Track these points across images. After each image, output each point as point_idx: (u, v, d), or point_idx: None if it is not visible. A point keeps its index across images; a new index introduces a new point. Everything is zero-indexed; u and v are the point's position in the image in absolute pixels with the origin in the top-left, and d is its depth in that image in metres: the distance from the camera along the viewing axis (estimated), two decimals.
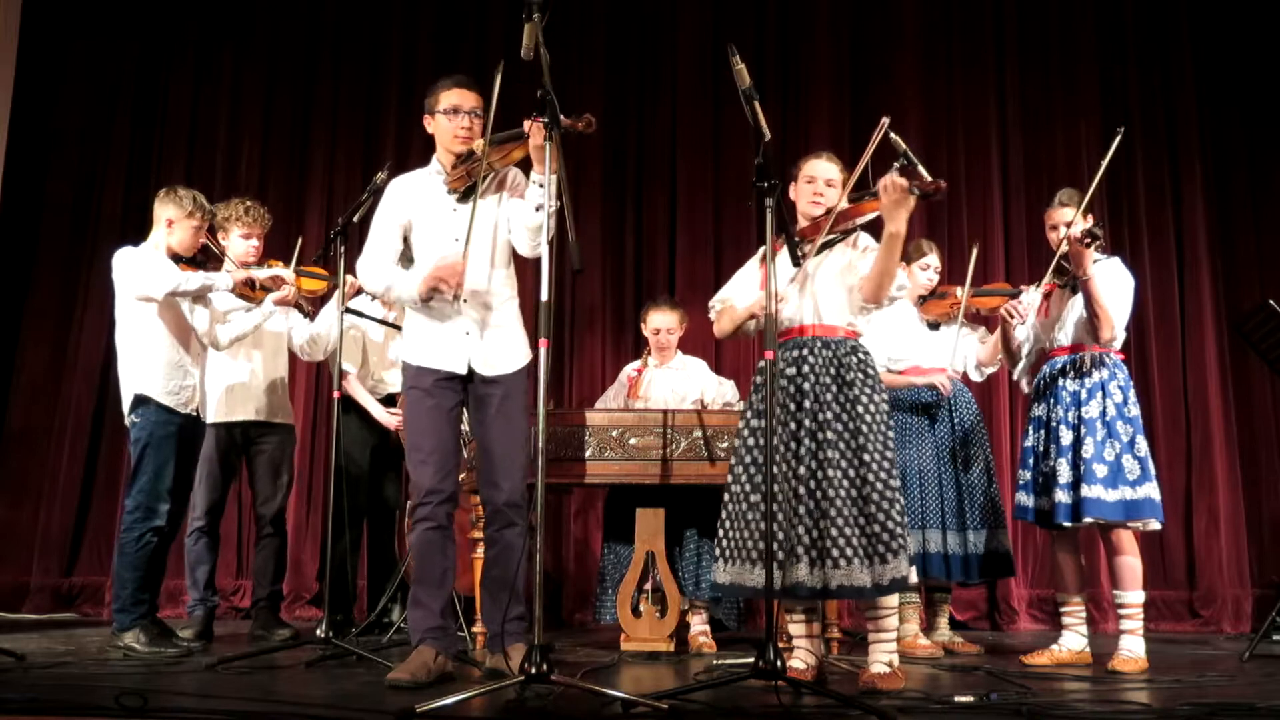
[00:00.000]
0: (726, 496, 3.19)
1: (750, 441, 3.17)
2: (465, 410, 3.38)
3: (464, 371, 3.27)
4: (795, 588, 3.00)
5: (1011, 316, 3.95)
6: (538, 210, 3.17)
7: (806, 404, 3.11)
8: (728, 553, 3.12)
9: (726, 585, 3.13)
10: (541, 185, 3.13)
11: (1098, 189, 3.88)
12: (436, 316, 3.29)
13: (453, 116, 3.34)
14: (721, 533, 3.16)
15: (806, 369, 3.14)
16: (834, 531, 2.99)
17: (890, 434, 3.13)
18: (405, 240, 3.38)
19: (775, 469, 3.04)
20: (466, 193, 3.28)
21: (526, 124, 3.07)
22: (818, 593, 3.02)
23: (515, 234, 3.29)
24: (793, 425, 3.11)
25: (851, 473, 3.05)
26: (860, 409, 3.09)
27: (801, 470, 3.06)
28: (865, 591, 2.99)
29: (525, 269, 3.60)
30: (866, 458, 3.05)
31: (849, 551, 2.98)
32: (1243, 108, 6.07)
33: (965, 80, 6.21)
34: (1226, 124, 6.09)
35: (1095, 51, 6.17)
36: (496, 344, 3.28)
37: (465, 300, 3.26)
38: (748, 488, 3.13)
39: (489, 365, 3.26)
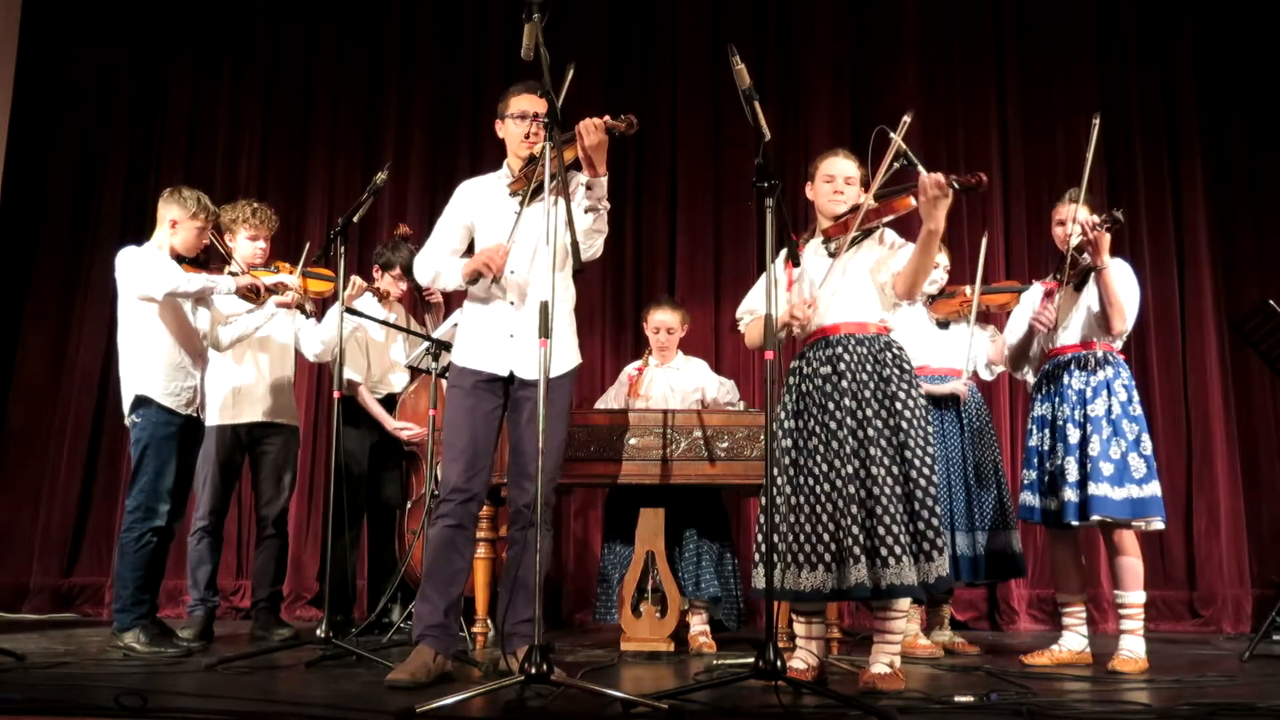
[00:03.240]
0: (765, 501, 3.05)
1: (786, 443, 3.15)
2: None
3: (505, 374, 3.28)
4: (855, 589, 2.98)
5: (1040, 326, 3.85)
6: (586, 213, 3.19)
7: (846, 402, 3.09)
8: (786, 558, 3.08)
9: (781, 590, 3.05)
10: (591, 188, 3.14)
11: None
12: (486, 319, 3.31)
13: (520, 122, 3.35)
14: (761, 538, 3.10)
15: (843, 367, 3.12)
16: (881, 530, 2.98)
17: (930, 429, 3.11)
18: (470, 243, 3.41)
19: (817, 469, 3.04)
20: (530, 196, 3.28)
21: (578, 125, 3.08)
22: (873, 593, 3.00)
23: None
24: (832, 425, 3.09)
25: (895, 470, 3.04)
26: (899, 405, 3.08)
27: (847, 470, 3.04)
28: (914, 590, 2.98)
29: None
30: (909, 454, 3.04)
31: (897, 550, 2.97)
32: (1243, 107, 6.07)
33: (965, 80, 6.21)
34: (1226, 123, 6.08)
35: (1095, 51, 6.17)
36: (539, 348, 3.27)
37: (513, 303, 3.27)
38: (788, 490, 3.11)
39: (529, 369, 3.23)
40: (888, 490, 3.01)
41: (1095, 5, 6.22)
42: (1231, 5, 6.13)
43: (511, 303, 3.29)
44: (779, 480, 3.11)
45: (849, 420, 3.08)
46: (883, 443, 3.05)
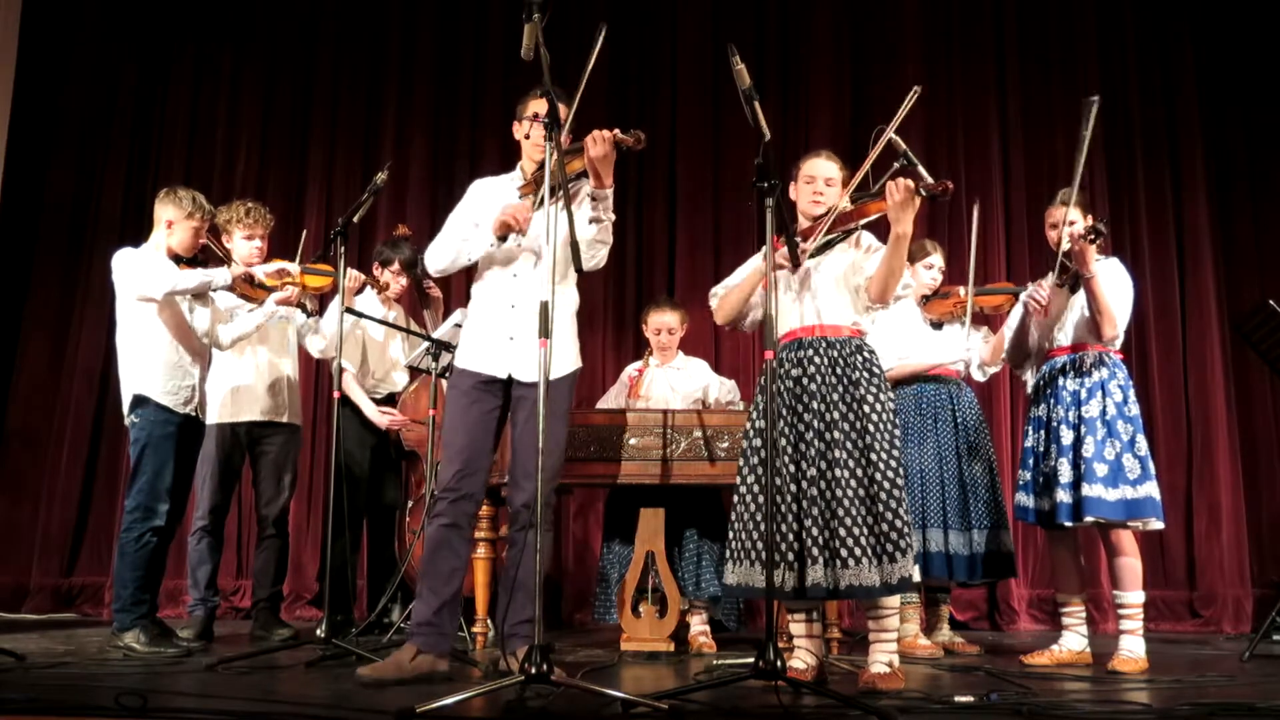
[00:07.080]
0: (735, 498, 3.21)
1: (756, 443, 3.19)
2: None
3: (504, 377, 3.29)
4: (810, 589, 3.00)
5: (1032, 303, 3.85)
6: (590, 223, 3.19)
7: (814, 405, 3.12)
8: (737, 554, 3.14)
9: (734, 586, 3.15)
10: (596, 199, 3.14)
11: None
12: (488, 322, 3.32)
13: (535, 124, 3.34)
14: (731, 535, 3.18)
15: (812, 369, 3.15)
16: (842, 531, 3.00)
17: (896, 432, 3.13)
18: None
19: (785, 469, 3.04)
20: (542, 201, 3.28)
21: (587, 136, 3.08)
22: (830, 593, 3.02)
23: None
24: (800, 426, 3.12)
25: (860, 472, 3.05)
26: (866, 408, 3.09)
27: (811, 471, 3.07)
28: (874, 591, 2.99)
29: None
30: (874, 457, 3.06)
31: (857, 551, 2.99)
32: (1243, 106, 6.07)
33: (965, 80, 6.21)
34: (1227, 122, 6.09)
35: (1096, 50, 6.17)
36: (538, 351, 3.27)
37: (514, 305, 3.28)
38: (755, 489, 3.14)
39: (527, 372, 3.25)
40: (850, 492, 3.03)
41: (1096, 4, 6.22)
42: (1232, 5, 6.13)
43: (513, 305, 3.30)
44: (749, 479, 3.16)
45: (815, 422, 3.10)
46: (849, 445, 3.07)
